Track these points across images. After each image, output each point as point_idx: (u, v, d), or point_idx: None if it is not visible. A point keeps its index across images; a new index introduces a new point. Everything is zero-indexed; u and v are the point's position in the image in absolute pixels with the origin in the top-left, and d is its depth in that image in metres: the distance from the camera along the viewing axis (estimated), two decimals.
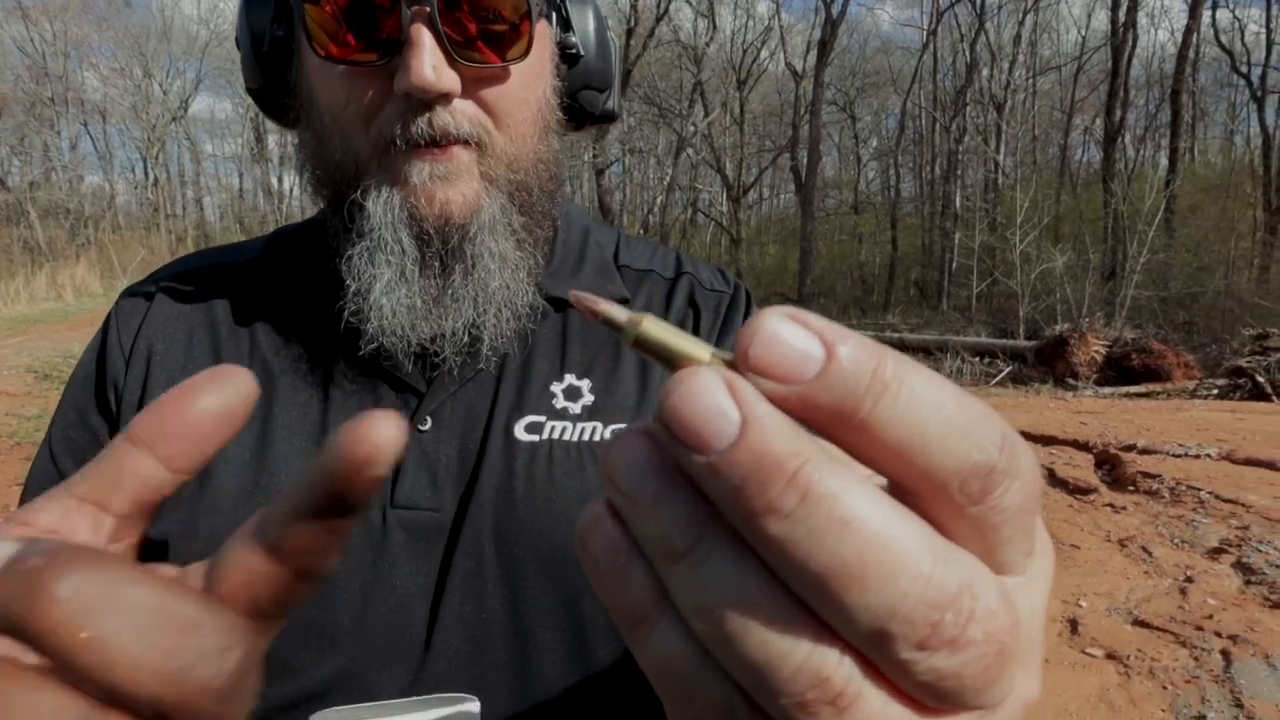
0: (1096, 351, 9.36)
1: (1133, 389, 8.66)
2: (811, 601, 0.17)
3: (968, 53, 21.02)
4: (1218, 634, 2.82)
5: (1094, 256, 13.62)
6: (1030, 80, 22.96)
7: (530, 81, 0.60)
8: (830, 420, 0.17)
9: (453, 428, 0.61)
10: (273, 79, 0.64)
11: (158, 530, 0.57)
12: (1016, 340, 11.26)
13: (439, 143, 0.56)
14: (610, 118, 0.73)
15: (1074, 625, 2.96)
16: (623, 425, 0.63)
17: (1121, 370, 9.15)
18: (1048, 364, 9.57)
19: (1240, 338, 9.37)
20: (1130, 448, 5.36)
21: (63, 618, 0.18)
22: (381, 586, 0.57)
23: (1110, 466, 5.09)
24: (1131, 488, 4.64)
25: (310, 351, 0.63)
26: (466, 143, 0.57)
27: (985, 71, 21.39)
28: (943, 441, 0.17)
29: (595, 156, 18.37)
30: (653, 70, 21.80)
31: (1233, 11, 19.43)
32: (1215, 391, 8.31)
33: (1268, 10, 17.76)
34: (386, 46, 0.54)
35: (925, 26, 23.43)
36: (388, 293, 0.58)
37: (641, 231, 22.50)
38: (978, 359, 10.46)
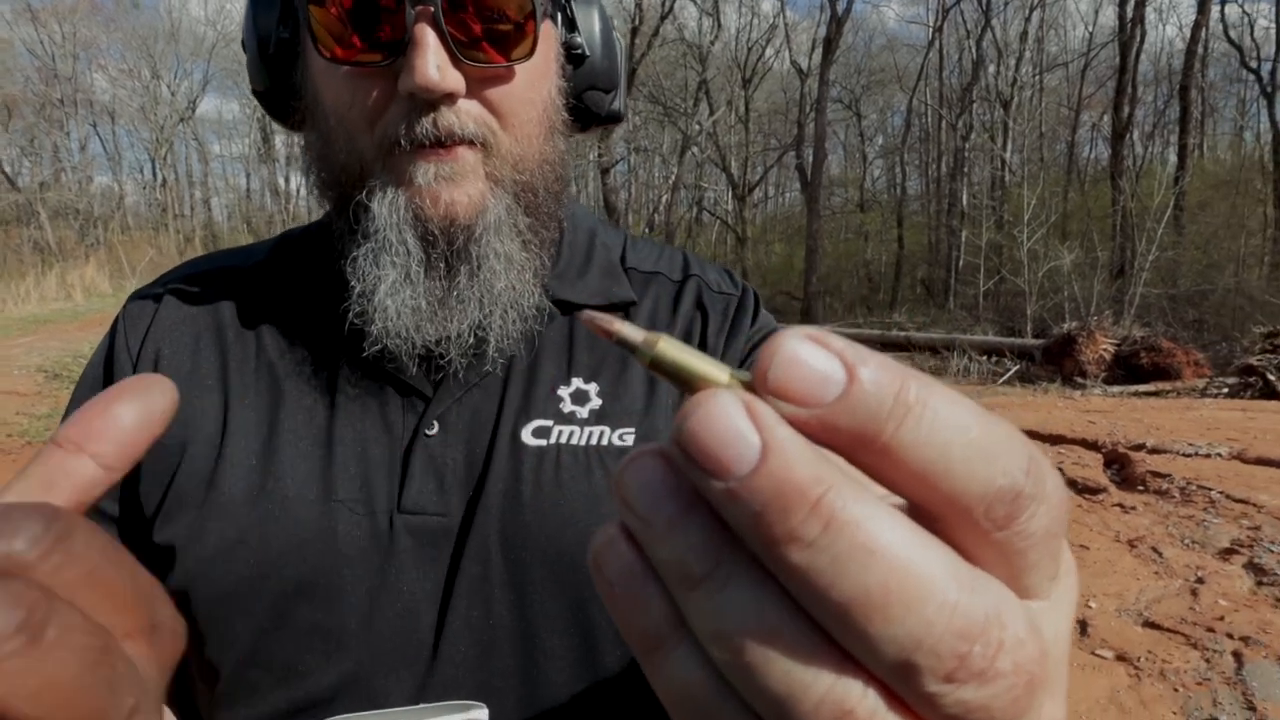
0: (1105, 350, 9.31)
1: (1142, 387, 8.61)
2: (834, 631, 0.17)
3: (974, 49, 20.94)
4: (1229, 635, 2.80)
5: (1102, 254, 13.56)
6: (1037, 77, 22.82)
7: (535, 82, 0.59)
8: (851, 444, 0.17)
9: (459, 432, 0.61)
10: (279, 81, 0.63)
11: (164, 536, 0.57)
12: (1024, 339, 11.20)
13: (444, 143, 0.55)
14: (616, 119, 0.72)
15: (1084, 626, 2.94)
16: (630, 429, 0.62)
17: (1130, 369, 9.10)
18: (1056, 362, 9.52)
19: (1251, 335, 9.28)
20: (1139, 447, 5.32)
21: None
22: (388, 592, 0.57)
23: (1119, 466, 5.06)
24: (1141, 487, 4.60)
25: (316, 355, 0.63)
26: (471, 143, 0.56)
27: (991, 68, 21.31)
28: (967, 465, 0.17)
29: (600, 155, 18.38)
30: (658, 69, 21.81)
31: (1242, 6, 19.38)
32: (1225, 390, 8.24)
33: (1278, 5, 17.60)
34: (391, 47, 0.54)
35: (931, 23, 23.39)
36: (392, 294, 0.57)
37: (647, 230, 22.49)
38: (985, 358, 10.40)
